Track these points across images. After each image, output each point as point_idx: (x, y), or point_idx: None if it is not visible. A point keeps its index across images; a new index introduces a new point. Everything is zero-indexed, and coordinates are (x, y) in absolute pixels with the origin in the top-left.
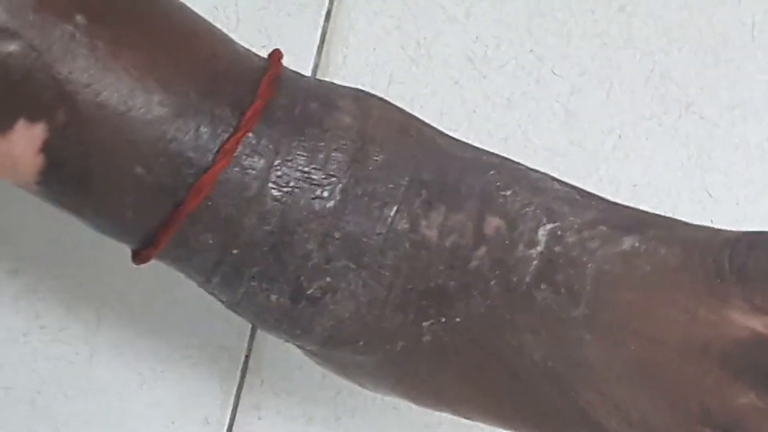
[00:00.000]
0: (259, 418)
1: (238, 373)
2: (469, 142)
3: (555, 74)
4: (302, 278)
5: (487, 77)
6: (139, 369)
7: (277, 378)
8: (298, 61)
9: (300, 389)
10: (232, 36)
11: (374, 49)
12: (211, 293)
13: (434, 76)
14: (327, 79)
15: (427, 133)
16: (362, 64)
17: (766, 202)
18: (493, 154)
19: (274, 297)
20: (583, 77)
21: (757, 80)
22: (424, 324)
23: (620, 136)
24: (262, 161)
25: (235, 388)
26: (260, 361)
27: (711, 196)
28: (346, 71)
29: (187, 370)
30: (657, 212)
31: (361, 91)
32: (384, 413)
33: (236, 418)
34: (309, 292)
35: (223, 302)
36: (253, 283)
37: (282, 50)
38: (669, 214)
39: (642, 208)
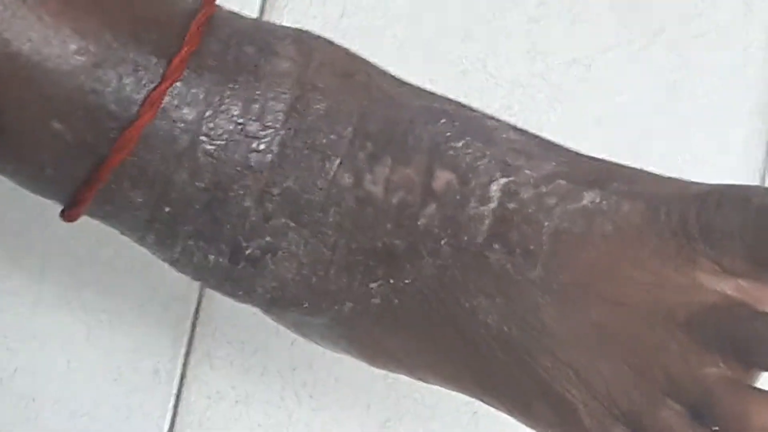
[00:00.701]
0: (211, 368)
1: (189, 323)
2: (426, 76)
3: (515, 2)
4: (240, 237)
5: (445, 7)
6: (85, 319)
7: (229, 327)
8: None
9: (254, 338)
10: None
11: None
12: (150, 251)
13: (389, 7)
14: (275, 11)
15: (376, 78)
16: None
17: (741, 132)
18: (447, 100)
19: (212, 257)
20: (543, 5)
21: (727, 5)
22: (372, 286)
23: (586, 67)
24: (193, 113)
25: (186, 337)
26: (212, 309)
27: (683, 128)
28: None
29: (135, 320)
30: (623, 151)
31: (304, 32)
32: (340, 362)
33: (187, 368)
34: (248, 252)
35: (162, 260)
36: (189, 242)
37: None
38: (637, 154)
39: (608, 144)
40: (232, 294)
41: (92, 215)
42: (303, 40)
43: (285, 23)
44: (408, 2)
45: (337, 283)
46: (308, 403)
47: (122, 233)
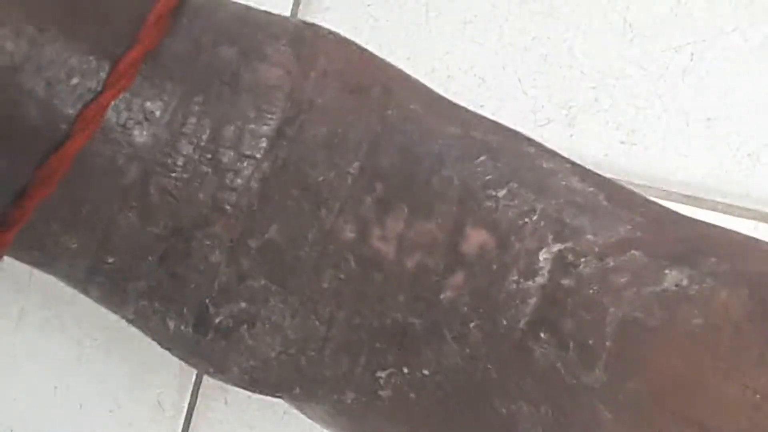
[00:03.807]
0: (226, 404)
1: None
2: (500, 59)
3: None
4: (207, 301)
5: None
6: (77, 338)
7: None
8: None
9: None
10: None
11: None
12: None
13: None
14: None
15: (397, 93)
16: None
17: None
18: (493, 126)
19: (172, 323)
20: None
21: None
22: (380, 374)
23: (692, 55)
24: (145, 135)
25: None
26: None
27: None
28: None
29: (136, 342)
30: (741, 161)
31: (310, 27)
32: None
33: (197, 401)
34: (218, 320)
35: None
36: (142, 302)
37: None
38: (756, 165)
39: (719, 152)
40: (201, 369)
41: (20, 260)
42: (305, 39)
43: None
44: None
45: (334, 368)
46: None
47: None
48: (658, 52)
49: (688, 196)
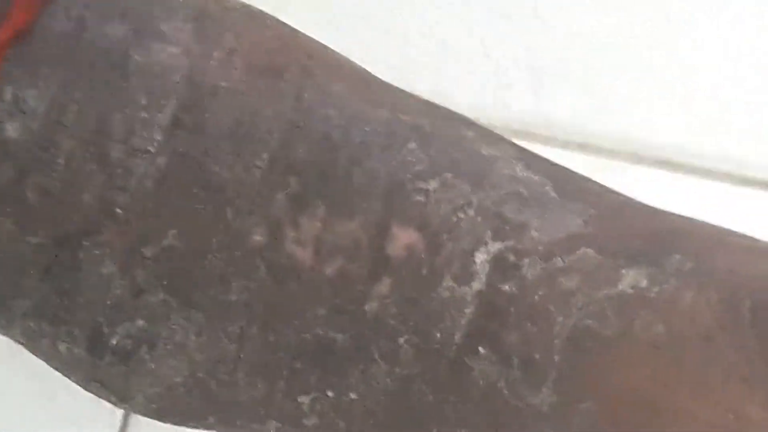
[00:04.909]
0: None
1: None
2: (461, 20)
3: None
4: (100, 320)
5: None
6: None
7: None
8: None
9: None
10: None
11: None
12: None
13: None
14: None
15: (317, 74)
16: None
17: None
18: (427, 107)
19: (63, 346)
20: None
21: None
22: (302, 399)
23: (666, 15)
24: (18, 129)
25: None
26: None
27: None
28: None
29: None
30: (711, 123)
31: None
32: None
33: None
34: (113, 341)
35: None
36: (29, 323)
37: None
38: (728, 125)
39: (692, 111)
40: (105, 398)
41: None
42: (209, 13)
43: None
44: None
45: (249, 393)
46: None
47: None
48: (629, 10)
49: (663, 161)
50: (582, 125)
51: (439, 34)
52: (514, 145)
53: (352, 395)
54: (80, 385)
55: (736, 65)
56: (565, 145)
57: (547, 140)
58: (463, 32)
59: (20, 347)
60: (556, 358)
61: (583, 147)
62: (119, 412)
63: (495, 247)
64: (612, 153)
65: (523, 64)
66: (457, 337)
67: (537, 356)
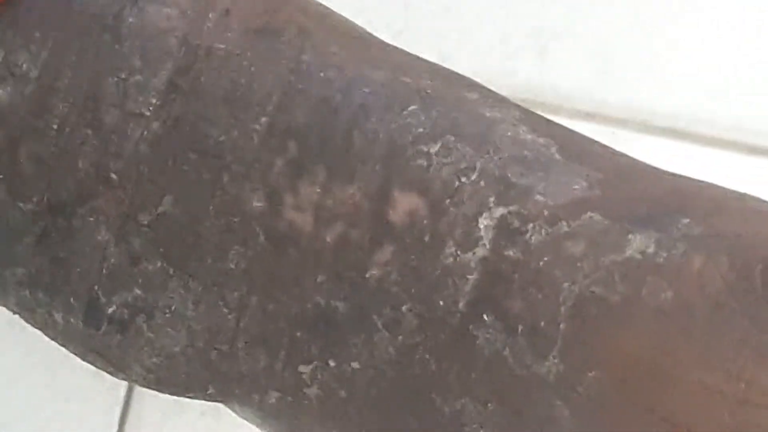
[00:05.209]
0: None
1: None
2: None
3: None
4: (96, 289)
5: None
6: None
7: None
8: None
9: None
10: None
11: None
12: None
13: None
14: None
15: (316, 34)
16: None
17: None
18: (429, 68)
19: (59, 315)
20: None
21: None
22: (303, 369)
23: None
24: (9, 93)
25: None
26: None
27: None
28: None
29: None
30: (723, 90)
31: None
32: None
33: None
34: (110, 311)
35: None
36: (23, 293)
37: None
38: (741, 92)
39: (703, 79)
40: (101, 368)
41: None
42: None
43: None
44: None
45: (250, 363)
46: None
47: None
48: None
49: (672, 130)
50: (590, 94)
51: (442, 0)
52: (518, 107)
53: (354, 365)
54: (77, 356)
55: (747, 31)
56: (573, 114)
57: (554, 109)
58: None
59: (18, 320)
60: (562, 325)
61: (590, 116)
62: (123, 387)
63: (498, 211)
64: (620, 122)
65: (527, 30)
66: (461, 305)
67: (542, 324)
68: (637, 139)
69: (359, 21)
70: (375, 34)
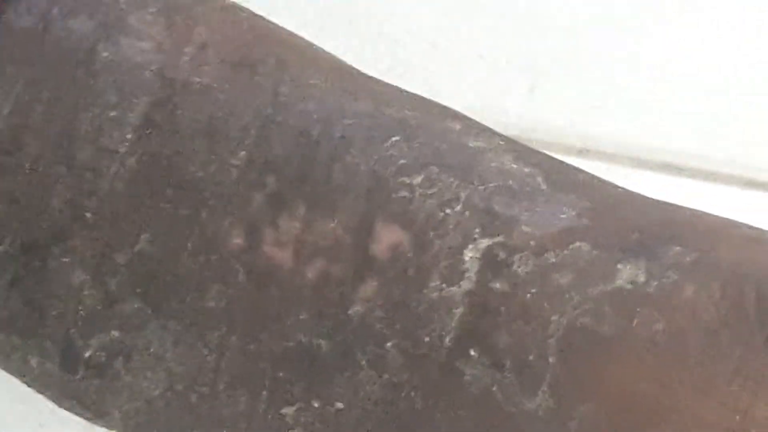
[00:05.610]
0: None
1: None
2: (451, 20)
3: None
4: (73, 332)
5: None
6: None
7: None
8: None
9: None
10: None
11: None
12: None
13: None
14: None
15: (296, 66)
16: None
17: None
18: (412, 99)
19: (34, 360)
20: None
21: None
22: (286, 411)
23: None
24: None
25: None
26: None
27: None
28: None
29: None
30: (719, 125)
31: None
32: None
33: None
34: (87, 354)
35: None
36: None
37: None
38: (735, 127)
39: (698, 114)
40: (81, 416)
41: None
42: (179, 5)
43: None
44: None
45: (231, 406)
46: None
47: None
48: (628, 9)
49: (665, 165)
50: (583, 130)
51: (430, 36)
52: (503, 136)
53: (339, 405)
54: (54, 402)
55: (740, 66)
56: (566, 150)
57: (546, 146)
58: (454, 33)
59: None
60: (551, 359)
61: (584, 152)
62: None
63: (484, 243)
64: (613, 157)
65: (517, 65)
66: (447, 341)
67: (531, 358)
68: (632, 175)
69: (346, 59)
70: (362, 70)
